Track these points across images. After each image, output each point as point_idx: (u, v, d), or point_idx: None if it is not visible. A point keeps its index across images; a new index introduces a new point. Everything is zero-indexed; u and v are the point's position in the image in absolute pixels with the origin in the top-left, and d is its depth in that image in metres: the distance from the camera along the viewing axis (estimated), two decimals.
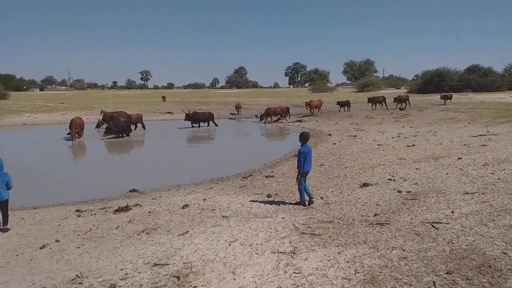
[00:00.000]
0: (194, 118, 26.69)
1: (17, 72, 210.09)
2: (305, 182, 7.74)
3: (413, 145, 14.02)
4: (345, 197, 8.08)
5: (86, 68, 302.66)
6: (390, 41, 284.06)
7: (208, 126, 27.11)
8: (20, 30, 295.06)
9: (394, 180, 9.14)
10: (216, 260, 5.07)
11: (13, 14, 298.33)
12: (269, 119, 29.46)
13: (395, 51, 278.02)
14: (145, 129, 25.28)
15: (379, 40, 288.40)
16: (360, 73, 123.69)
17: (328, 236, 5.69)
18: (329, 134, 19.61)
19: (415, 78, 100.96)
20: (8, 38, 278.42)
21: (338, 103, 35.23)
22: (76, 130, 20.68)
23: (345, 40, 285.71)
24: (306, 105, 33.30)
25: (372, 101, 35.26)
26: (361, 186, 8.84)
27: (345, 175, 10.31)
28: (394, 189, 8.27)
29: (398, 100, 34.58)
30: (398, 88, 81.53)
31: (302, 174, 7.56)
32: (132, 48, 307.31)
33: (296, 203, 7.83)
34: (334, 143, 16.31)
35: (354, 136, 18.00)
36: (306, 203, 7.68)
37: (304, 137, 7.76)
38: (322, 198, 8.15)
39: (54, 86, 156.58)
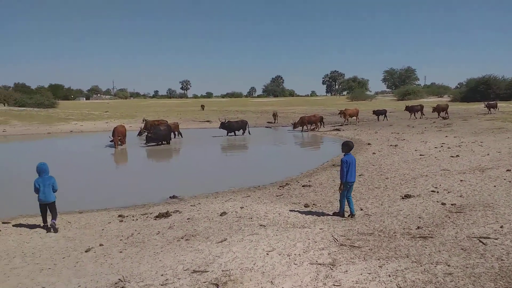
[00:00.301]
0: (229, 126, 27.01)
1: (65, 82, 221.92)
2: (350, 194, 7.51)
3: (458, 155, 13.47)
4: (386, 209, 7.86)
5: (129, 78, 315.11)
6: (432, 48, 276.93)
7: (242, 134, 27.31)
8: (68, 43, 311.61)
9: (438, 192, 8.81)
10: (254, 269, 5.06)
11: (62, 28, 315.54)
12: (305, 127, 29.30)
13: (437, 58, 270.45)
14: (182, 137, 25.80)
15: (421, 47, 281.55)
16: (400, 81, 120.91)
17: (369, 249, 5.55)
18: (369, 143, 19.21)
19: (458, 86, 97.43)
20: (57, 50, 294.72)
21: (374, 112, 34.43)
22: (119, 137, 21.44)
23: (385, 48, 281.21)
24: (340, 113, 32.69)
25: (410, 109, 34.31)
26: (402, 198, 8.58)
27: (386, 186, 10.05)
28: (438, 201, 7.96)
29: (437, 109, 33.48)
30: (440, 97, 78.96)
31: (345, 184, 7.36)
32: (172, 58, 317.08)
33: (334, 213, 7.70)
34: (374, 153, 15.96)
35: (395, 145, 17.54)
36: (346, 215, 7.53)
37: (347, 146, 7.52)
38: (361, 209, 7.97)
39: (99, 95, 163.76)
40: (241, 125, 27.70)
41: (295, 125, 29.44)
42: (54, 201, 7.62)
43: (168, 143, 22.84)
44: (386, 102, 61.94)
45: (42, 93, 72.18)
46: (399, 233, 6.17)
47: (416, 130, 23.67)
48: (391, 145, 17.74)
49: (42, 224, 7.73)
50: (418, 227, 6.39)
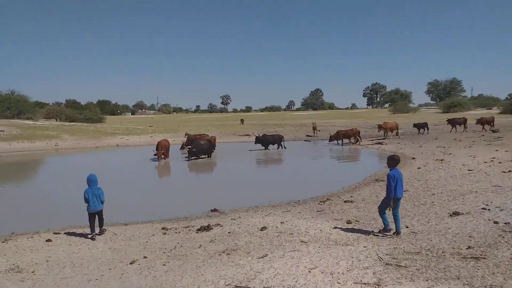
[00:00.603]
0: (264, 140, 27.00)
1: (112, 98, 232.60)
2: (397, 210, 7.23)
3: (510, 171, 12.73)
4: (433, 227, 7.53)
5: (172, 93, 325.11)
6: (479, 58, 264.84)
7: (278, 148, 27.17)
8: (116, 61, 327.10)
9: (489, 209, 8.35)
10: (296, 286, 4.99)
11: (110, 47, 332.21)
12: (341, 141, 28.87)
13: (486, 68, 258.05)
14: (215, 151, 25.93)
15: (467, 57, 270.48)
16: (445, 93, 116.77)
17: (416, 269, 5.33)
18: (413, 158, 18.58)
19: (509, 97, 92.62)
20: (105, 68, 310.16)
21: (415, 125, 33.37)
22: (162, 151, 22.05)
23: (429, 59, 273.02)
24: (378, 127, 31.91)
25: (452, 122, 33.05)
26: (450, 215, 8.20)
27: (432, 202, 9.65)
28: (489, 220, 7.54)
29: (481, 121, 31.95)
30: (489, 109, 75.44)
31: (394, 200, 7.08)
32: (213, 74, 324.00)
33: (380, 231, 7.44)
34: (419, 168, 15.40)
35: (441, 160, 16.85)
36: (390, 232, 7.28)
37: (394, 161, 7.29)
38: (407, 227, 7.68)
39: (144, 110, 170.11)
40: (277, 139, 27.56)
41: (331, 138, 29.17)
42: (102, 210, 8.24)
43: (209, 156, 23.21)
44: (429, 115, 59.86)
45: (91, 109, 75.93)
46: (448, 253, 5.88)
47: (464, 143, 22.66)
48: (437, 160, 17.06)
49: (90, 233, 8.15)
50: (469, 247, 6.08)
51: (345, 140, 29.16)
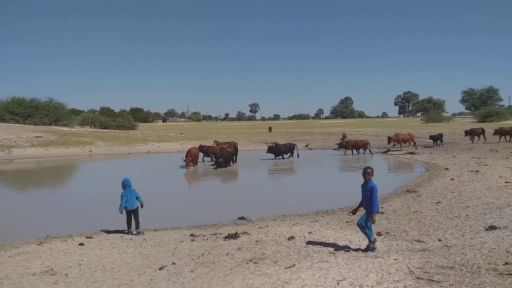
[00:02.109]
0: (276, 150, 26.23)
1: (144, 106, 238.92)
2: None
3: None
4: (468, 241, 7.25)
5: (202, 101, 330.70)
6: None
7: (289, 157, 26.48)
8: (149, 70, 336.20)
9: None
10: None
11: (143, 59, 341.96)
12: (350, 151, 28.69)
13: None
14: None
15: (505, 65, 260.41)
16: (481, 102, 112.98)
17: (449, 284, 5.14)
18: (446, 169, 18.00)
19: None
20: (139, 76, 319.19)
21: (431, 137, 32.03)
22: (191, 159, 22.34)
23: (464, 66, 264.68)
24: (388, 140, 30.54)
25: (470, 133, 31.96)
26: (486, 229, 7.87)
27: (467, 215, 9.30)
28: None
29: (500, 132, 30.65)
30: None
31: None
32: (243, 82, 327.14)
33: (365, 249, 6.99)
34: (453, 179, 14.90)
35: (476, 171, 16.24)
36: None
37: (367, 174, 7.06)
38: (440, 240, 7.43)
39: (174, 118, 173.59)
40: (289, 149, 26.80)
41: (340, 146, 28.98)
42: (138, 208, 8.92)
43: (232, 164, 23.31)
44: (464, 124, 57.90)
45: (124, 116, 78.24)
46: (483, 269, 5.64)
47: (500, 154, 21.77)
48: (471, 171, 16.46)
49: (126, 230, 8.90)
50: (506, 263, 5.81)
51: (354, 151, 28.95)
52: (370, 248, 6.92)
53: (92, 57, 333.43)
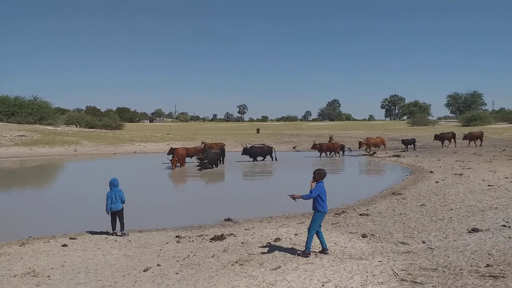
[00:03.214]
0: (251, 152, 25.81)
1: (131, 105, 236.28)
2: (320, 226, 6.93)
3: None
4: (451, 243, 7.35)
5: (190, 102, 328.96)
6: (501, 71, 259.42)
7: (264, 159, 26.14)
8: (136, 68, 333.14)
9: (510, 227, 8.11)
10: None
11: (130, 57, 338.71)
12: (323, 153, 28.93)
13: (508, 82, 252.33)
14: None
15: (489, 70, 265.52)
16: (465, 106, 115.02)
17: (432, 286, 5.21)
18: (431, 171, 18.25)
19: None
20: (125, 76, 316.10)
21: (403, 141, 32.18)
22: (177, 159, 22.19)
23: (449, 71, 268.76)
24: (359, 144, 30.46)
25: (440, 138, 32.56)
26: (469, 232, 7.99)
27: (450, 217, 9.43)
28: (510, 238, 7.33)
29: (469, 137, 31.37)
30: (511, 123, 74.04)
31: (320, 216, 6.80)
32: (231, 83, 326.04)
33: (299, 254, 6.88)
34: (437, 182, 15.11)
35: (460, 174, 16.50)
36: (316, 252, 6.91)
37: (319, 174, 6.99)
38: (424, 242, 7.52)
39: (162, 118, 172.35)
40: (266, 151, 26.33)
41: (313, 147, 29.21)
42: (122, 209, 8.80)
43: (217, 165, 22.85)
44: (449, 128, 58.81)
45: (110, 116, 77.43)
46: (466, 271, 5.73)
47: (484, 158, 22.16)
48: (455, 174, 16.72)
49: (110, 232, 8.80)
50: (488, 265, 5.91)
51: (329, 153, 29.18)
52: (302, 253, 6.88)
53: (79, 56, 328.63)
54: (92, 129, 55.04)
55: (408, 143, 31.87)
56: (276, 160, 26.20)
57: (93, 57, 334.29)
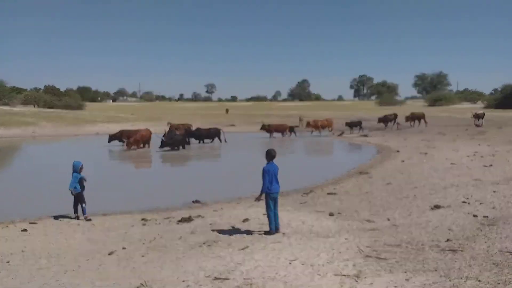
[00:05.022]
0: (197, 134, 25.28)
1: (93, 84, 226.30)
2: (276, 208, 7.08)
3: (491, 165, 12.95)
4: (414, 220, 7.58)
5: (155, 81, 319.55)
6: (465, 53, 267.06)
7: (212, 142, 25.50)
8: (97, 46, 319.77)
9: (469, 203, 8.46)
10: (276, 278, 4.95)
11: (90, 32, 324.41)
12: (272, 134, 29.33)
13: (471, 63, 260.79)
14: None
15: (454, 51, 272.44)
16: (432, 87, 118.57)
17: (395, 261, 5.35)
18: (397, 151, 18.75)
19: (493, 92, 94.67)
20: (86, 53, 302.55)
21: (347, 124, 32.19)
22: (141, 141, 21.69)
23: (416, 52, 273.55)
24: (307, 124, 31.00)
25: (383, 120, 33.39)
26: (432, 208, 8.27)
27: (415, 195, 9.72)
28: (469, 213, 7.64)
29: (411, 118, 32.65)
30: (474, 103, 77.07)
31: (270, 197, 6.96)
32: (198, 62, 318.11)
33: (265, 233, 7.03)
34: (403, 161, 15.53)
35: (425, 153, 17.04)
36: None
37: (269, 155, 7.10)
38: (389, 220, 7.71)
39: (125, 97, 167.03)
40: (212, 134, 25.49)
41: (262, 127, 29.68)
42: (81, 192, 8.60)
43: (184, 147, 22.24)
44: (416, 108, 60.43)
45: (70, 96, 74.51)
46: (427, 246, 5.93)
47: (448, 137, 23.00)
48: (421, 153, 17.26)
49: (73, 215, 8.62)
50: (448, 240, 6.14)
51: (278, 134, 29.67)
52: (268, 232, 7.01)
53: (36, 35, 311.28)
54: (52, 110, 52.70)
55: (353, 125, 31.98)
56: (226, 142, 25.07)
57: (51, 34, 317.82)
